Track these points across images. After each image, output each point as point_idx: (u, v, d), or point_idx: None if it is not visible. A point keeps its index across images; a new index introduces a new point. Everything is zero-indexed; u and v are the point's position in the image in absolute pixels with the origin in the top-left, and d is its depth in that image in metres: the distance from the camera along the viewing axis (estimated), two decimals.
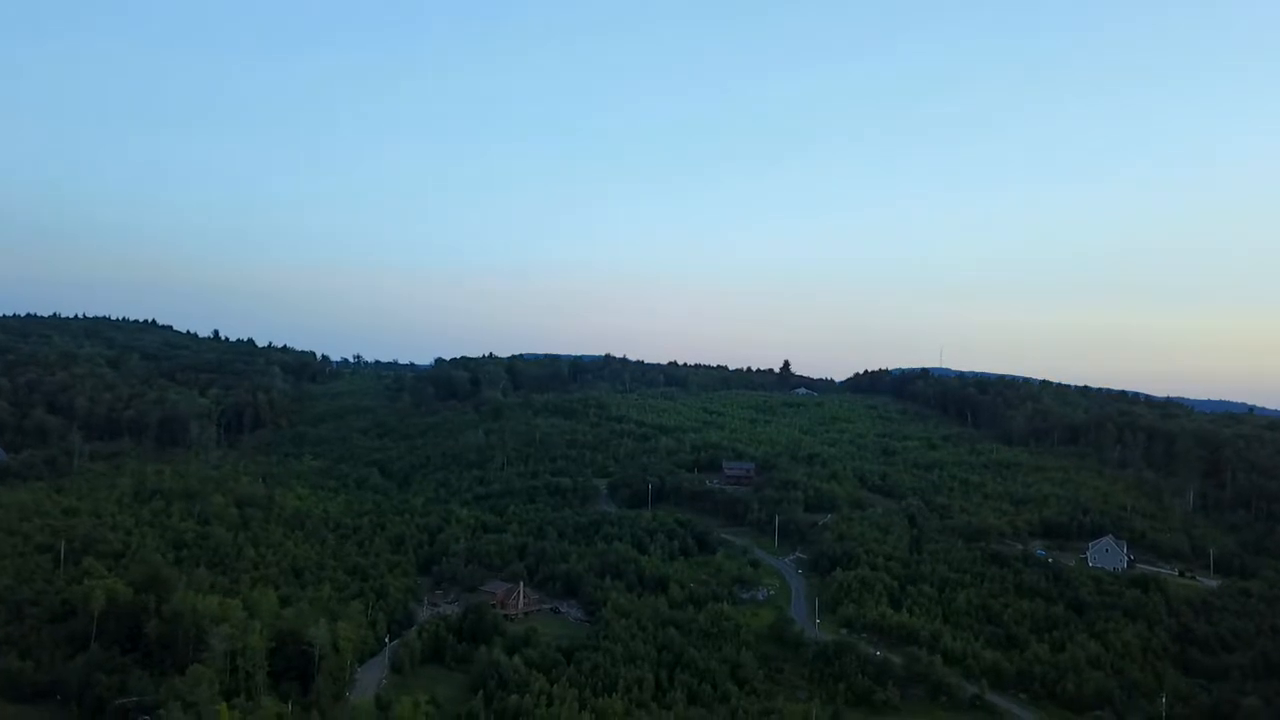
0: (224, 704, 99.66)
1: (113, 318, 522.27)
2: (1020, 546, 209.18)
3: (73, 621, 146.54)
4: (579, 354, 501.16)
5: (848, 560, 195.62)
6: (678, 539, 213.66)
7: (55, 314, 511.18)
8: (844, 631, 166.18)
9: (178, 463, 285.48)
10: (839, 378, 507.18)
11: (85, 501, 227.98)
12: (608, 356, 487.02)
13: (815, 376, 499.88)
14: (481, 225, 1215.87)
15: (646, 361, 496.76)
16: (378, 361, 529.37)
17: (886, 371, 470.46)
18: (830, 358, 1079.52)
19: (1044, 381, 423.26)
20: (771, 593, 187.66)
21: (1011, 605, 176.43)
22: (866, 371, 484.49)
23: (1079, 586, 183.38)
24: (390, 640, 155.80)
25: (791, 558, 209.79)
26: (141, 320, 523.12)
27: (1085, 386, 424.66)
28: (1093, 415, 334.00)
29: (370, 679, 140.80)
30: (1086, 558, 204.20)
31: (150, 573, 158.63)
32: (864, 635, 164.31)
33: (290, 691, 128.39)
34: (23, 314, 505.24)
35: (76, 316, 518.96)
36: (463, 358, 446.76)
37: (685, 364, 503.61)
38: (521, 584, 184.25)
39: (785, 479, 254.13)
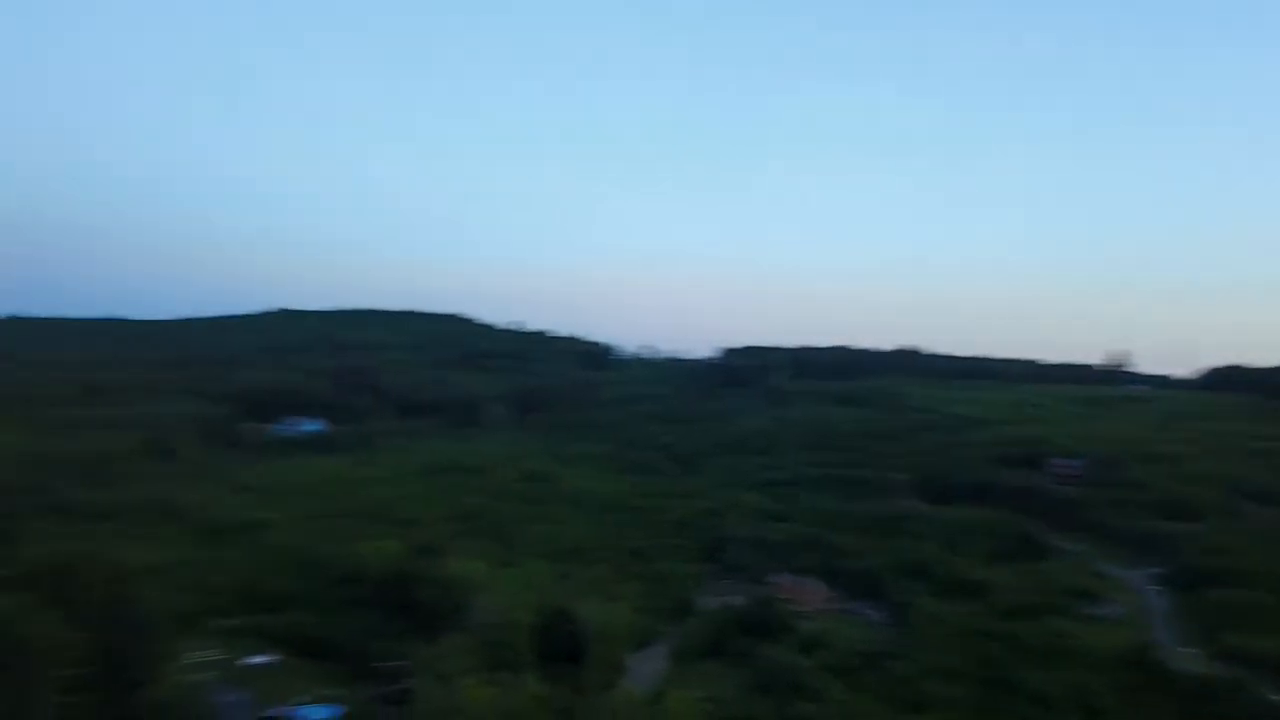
0: (476, 678, 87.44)
1: (421, 311, 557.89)
2: None
3: (357, 584, 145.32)
4: (873, 348, 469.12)
5: (1225, 578, 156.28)
6: (996, 541, 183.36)
7: (372, 309, 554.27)
8: (1226, 665, 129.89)
9: (470, 441, 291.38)
10: (1183, 373, 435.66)
11: (383, 472, 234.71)
12: (905, 348, 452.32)
13: (1150, 372, 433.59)
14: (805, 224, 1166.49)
15: (949, 353, 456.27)
16: (665, 352, 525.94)
17: (1244, 368, 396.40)
18: (1168, 353, 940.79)
19: None
20: (1123, 610, 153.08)
21: None
22: (1223, 366, 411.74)
23: None
24: (668, 628, 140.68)
25: (1146, 571, 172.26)
26: (444, 313, 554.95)
27: None
28: None
29: (644, 668, 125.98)
30: None
31: (428, 540, 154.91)
32: (1258, 673, 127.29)
33: (557, 673, 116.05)
34: (349, 308, 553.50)
35: (390, 311, 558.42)
36: (749, 347, 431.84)
37: (993, 357, 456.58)
38: (814, 579, 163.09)
39: (1129, 479, 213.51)
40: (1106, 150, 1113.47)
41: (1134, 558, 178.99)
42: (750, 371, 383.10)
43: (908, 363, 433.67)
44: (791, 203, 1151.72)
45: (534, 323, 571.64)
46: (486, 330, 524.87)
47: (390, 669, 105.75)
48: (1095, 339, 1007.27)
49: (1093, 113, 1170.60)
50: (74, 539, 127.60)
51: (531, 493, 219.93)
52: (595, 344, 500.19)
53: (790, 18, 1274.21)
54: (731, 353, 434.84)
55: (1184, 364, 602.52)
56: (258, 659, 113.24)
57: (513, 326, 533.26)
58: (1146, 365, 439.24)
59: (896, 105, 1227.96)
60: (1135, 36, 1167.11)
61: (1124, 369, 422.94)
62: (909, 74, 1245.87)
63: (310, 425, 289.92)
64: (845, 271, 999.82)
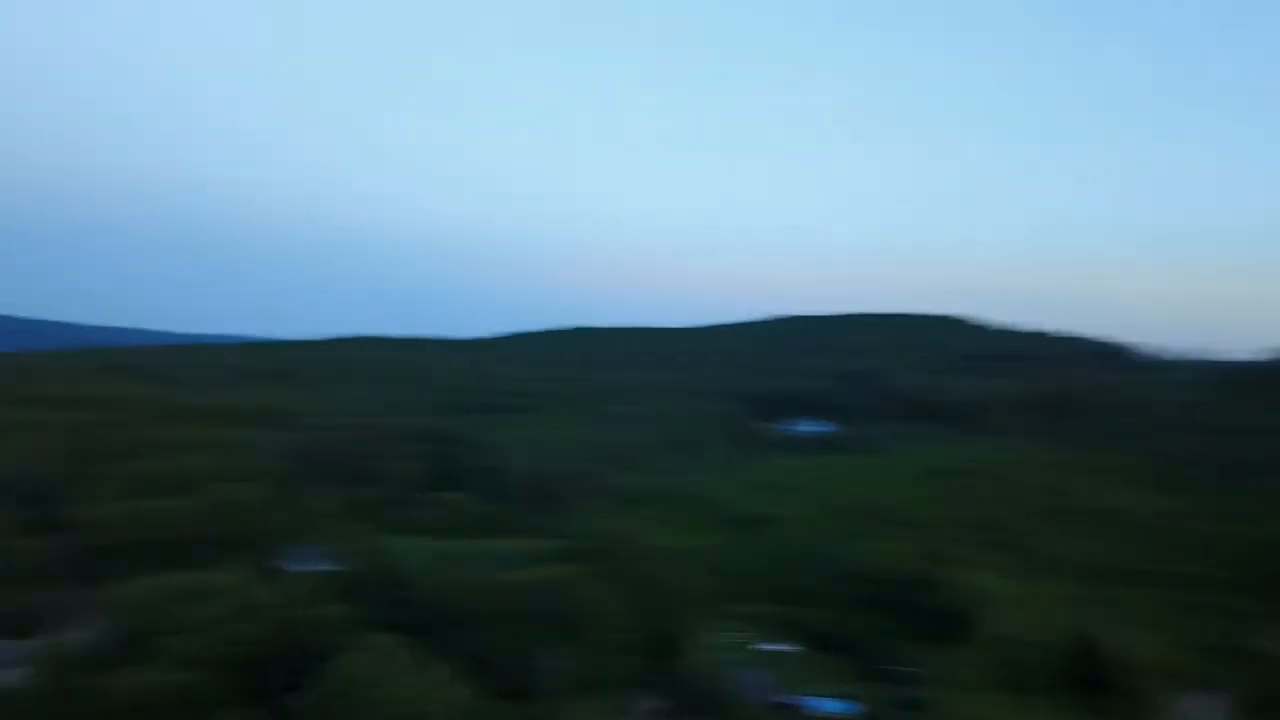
0: (992, 695, 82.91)
1: (918, 314, 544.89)
2: None
3: (865, 584, 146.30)
4: None
5: None
6: None
7: (869, 313, 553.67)
8: None
9: (975, 446, 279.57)
10: None
11: (887, 474, 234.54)
12: None
13: None
14: None
15: None
16: (1205, 354, 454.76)
17: None
18: None
19: None
20: None
21: None
22: None
23: None
24: (1221, 671, 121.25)
25: None
26: (939, 315, 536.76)
27: None
28: None
29: (1192, 713, 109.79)
30: None
31: (936, 546, 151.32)
32: None
33: (1081, 702, 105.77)
34: (847, 313, 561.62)
35: (887, 315, 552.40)
36: None
37: None
38: None
39: None
40: None
41: None
42: None
43: None
44: None
45: (1045, 323, 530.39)
46: (985, 331, 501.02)
47: (903, 673, 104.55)
48: None
49: None
50: (614, 520, 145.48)
51: (1046, 504, 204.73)
52: (1114, 345, 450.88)
53: None
54: None
55: None
56: (774, 646, 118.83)
57: (1014, 327, 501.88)
58: None
59: None
60: None
61: None
62: None
63: (816, 426, 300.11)
64: None
